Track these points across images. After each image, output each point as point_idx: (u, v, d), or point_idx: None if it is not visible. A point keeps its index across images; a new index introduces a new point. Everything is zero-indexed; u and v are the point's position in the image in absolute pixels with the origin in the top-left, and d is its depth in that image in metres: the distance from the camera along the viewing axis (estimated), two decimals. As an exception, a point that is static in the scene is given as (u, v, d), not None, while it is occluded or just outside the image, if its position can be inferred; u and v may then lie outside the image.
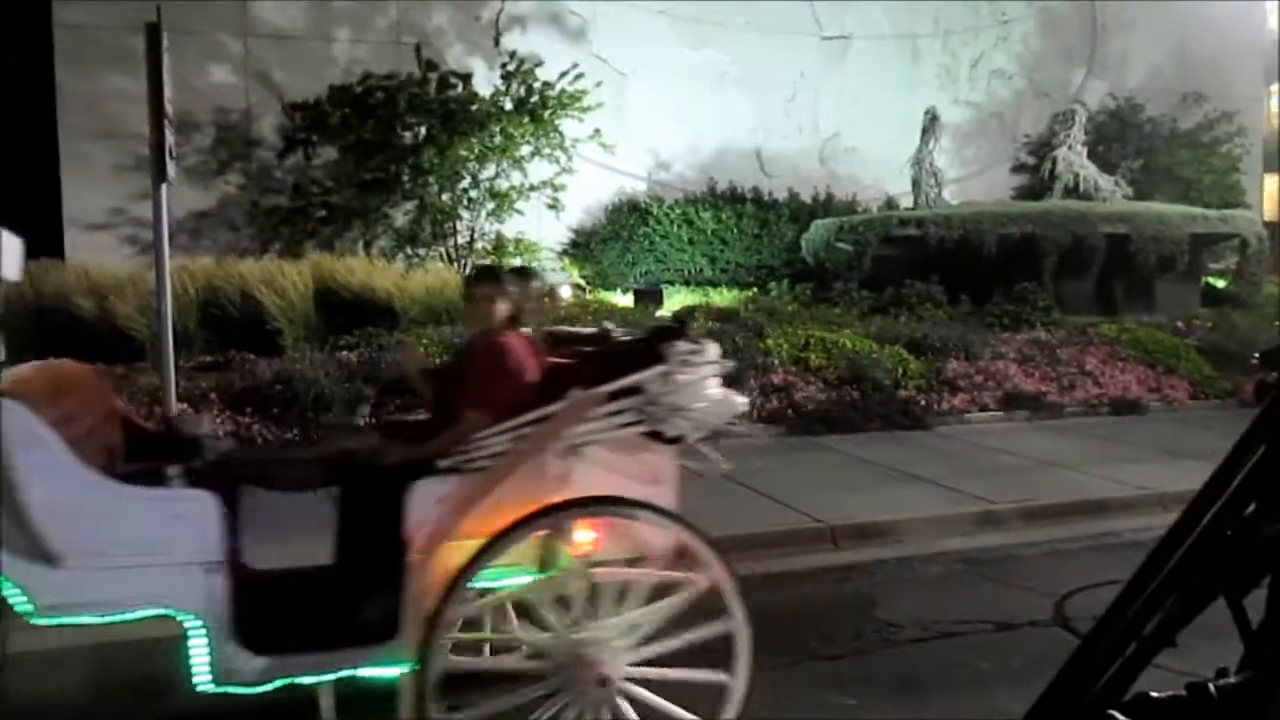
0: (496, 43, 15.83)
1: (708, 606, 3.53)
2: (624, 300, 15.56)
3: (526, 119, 14.47)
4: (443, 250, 14.39)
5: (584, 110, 14.74)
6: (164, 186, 7.46)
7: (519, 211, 14.72)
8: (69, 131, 13.82)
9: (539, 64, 14.90)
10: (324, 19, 15.24)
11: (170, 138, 7.44)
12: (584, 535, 3.46)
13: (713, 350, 3.74)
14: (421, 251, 14.26)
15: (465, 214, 14.50)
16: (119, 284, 10.91)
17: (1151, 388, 11.58)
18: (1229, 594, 1.24)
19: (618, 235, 16.46)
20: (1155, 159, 19.43)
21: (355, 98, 14.10)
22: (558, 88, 14.69)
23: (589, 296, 15.24)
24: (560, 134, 14.73)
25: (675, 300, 15.46)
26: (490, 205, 14.52)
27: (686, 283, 16.52)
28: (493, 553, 3.28)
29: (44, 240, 13.17)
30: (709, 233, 16.82)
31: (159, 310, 7.60)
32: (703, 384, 3.61)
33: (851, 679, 4.58)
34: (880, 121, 17.59)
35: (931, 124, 16.20)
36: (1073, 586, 5.66)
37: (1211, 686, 1.19)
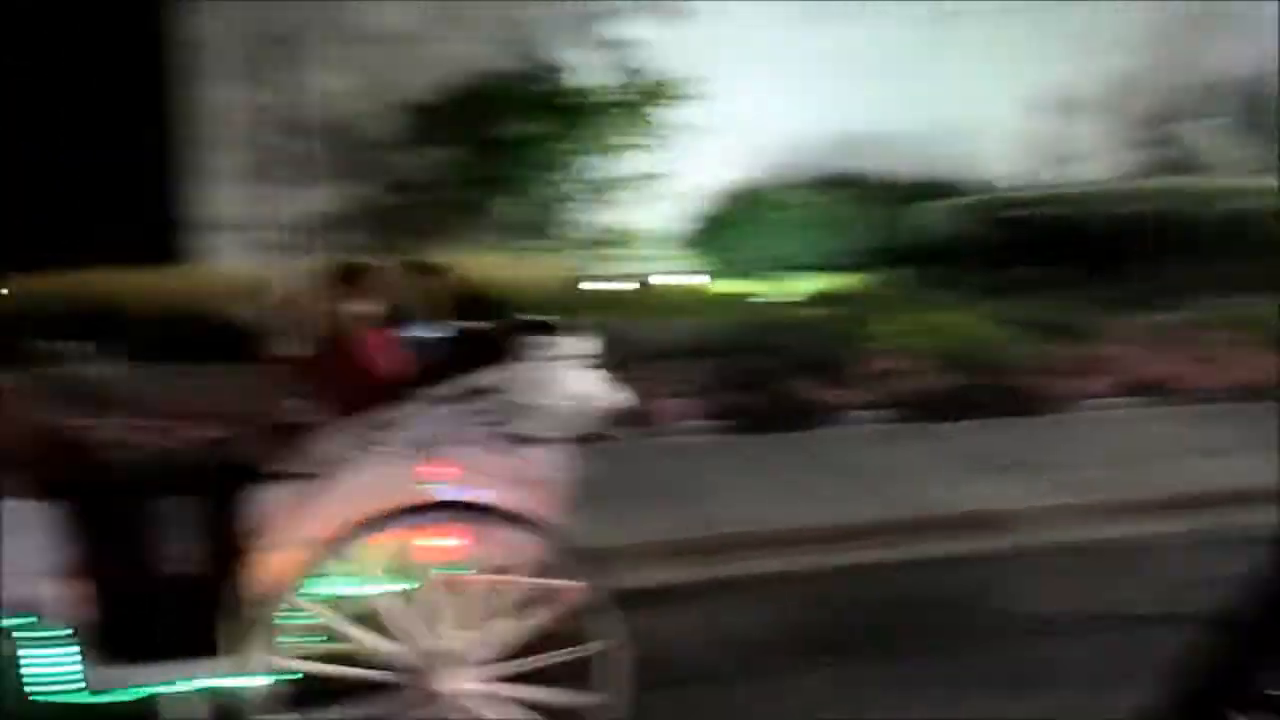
0: (599, 33, 15.85)
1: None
2: (736, 287, 15.48)
3: (633, 108, 14.50)
4: (551, 242, 14.56)
5: (691, 97, 14.70)
6: (289, 190, 7.72)
7: (628, 202, 14.77)
8: (201, 141, 14.42)
9: (644, 52, 14.90)
10: (430, 19, 15.50)
11: (295, 144, 7.69)
12: (437, 542, 3.28)
13: (576, 344, 3.56)
14: (530, 244, 14.44)
15: (573, 206, 14.63)
16: (246, 287, 11.34)
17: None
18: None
19: (728, 223, 16.37)
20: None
21: (461, 96, 14.34)
22: (663, 75, 14.68)
23: (698, 286, 15.21)
24: (667, 122, 14.73)
25: (786, 287, 15.31)
26: (598, 196, 14.63)
27: (797, 268, 16.34)
28: (322, 560, 3.15)
29: (172, 245, 13.80)
30: (819, 218, 16.58)
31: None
32: (557, 381, 3.41)
33: (965, 673, 4.50)
34: (998, 97, 17.10)
35: (1054, 99, 15.70)
36: (1198, 580, 5.43)
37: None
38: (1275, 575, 1.20)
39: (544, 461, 3.45)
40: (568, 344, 3.52)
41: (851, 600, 5.60)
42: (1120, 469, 7.74)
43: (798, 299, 13.59)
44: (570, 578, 3.31)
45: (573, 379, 3.46)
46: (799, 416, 9.40)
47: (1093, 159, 17.96)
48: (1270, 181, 15.19)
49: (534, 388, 3.34)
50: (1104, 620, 5.11)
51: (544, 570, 3.37)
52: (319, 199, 14.63)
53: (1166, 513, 6.97)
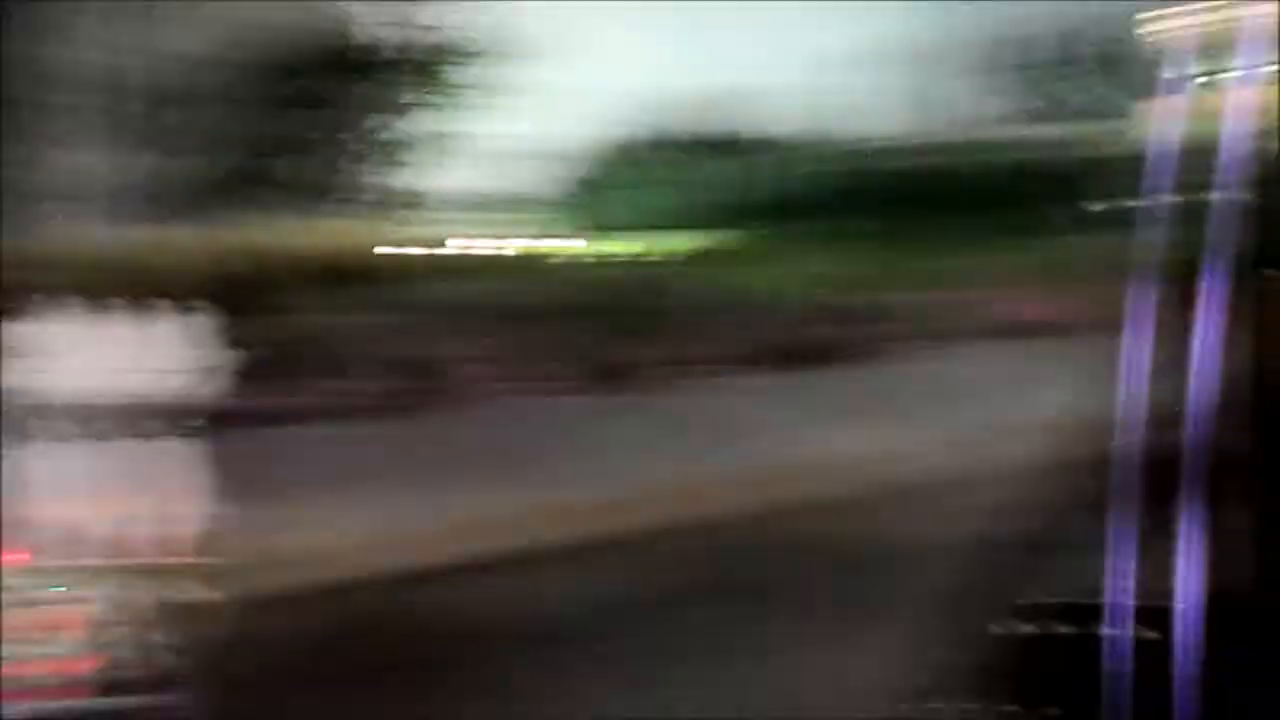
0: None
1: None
2: (584, 248, 15.11)
3: (461, 63, 14.01)
4: (350, 206, 13.97)
5: (532, 52, 14.28)
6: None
7: (435, 164, 14.31)
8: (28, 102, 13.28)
9: (475, 7, 14.36)
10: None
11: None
12: None
13: (63, 331, 3.40)
14: (329, 208, 13.81)
15: (375, 168, 14.10)
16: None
17: None
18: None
19: (579, 182, 15.93)
20: (1072, 85, 19.10)
21: (255, 54, 13.64)
22: (500, 27, 14.21)
23: (549, 248, 14.82)
24: (502, 79, 14.29)
25: (639, 246, 15.00)
26: (403, 158, 14.16)
27: (658, 227, 15.98)
28: None
29: None
30: (683, 175, 16.19)
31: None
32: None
33: (821, 607, 4.60)
34: (845, 52, 16.94)
35: (910, 52, 15.75)
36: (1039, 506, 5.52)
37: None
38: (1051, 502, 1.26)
39: None
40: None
41: (715, 551, 5.60)
42: (967, 407, 7.86)
43: (647, 257, 13.44)
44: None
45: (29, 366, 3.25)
46: (651, 374, 9.33)
47: (902, 114, 18.32)
48: (1113, 129, 15.71)
49: None
50: (947, 548, 5.21)
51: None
52: (116, 164, 13.74)
53: (1006, 443, 7.08)
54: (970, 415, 7.63)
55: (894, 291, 11.10)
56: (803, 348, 9.92)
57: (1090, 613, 1.23)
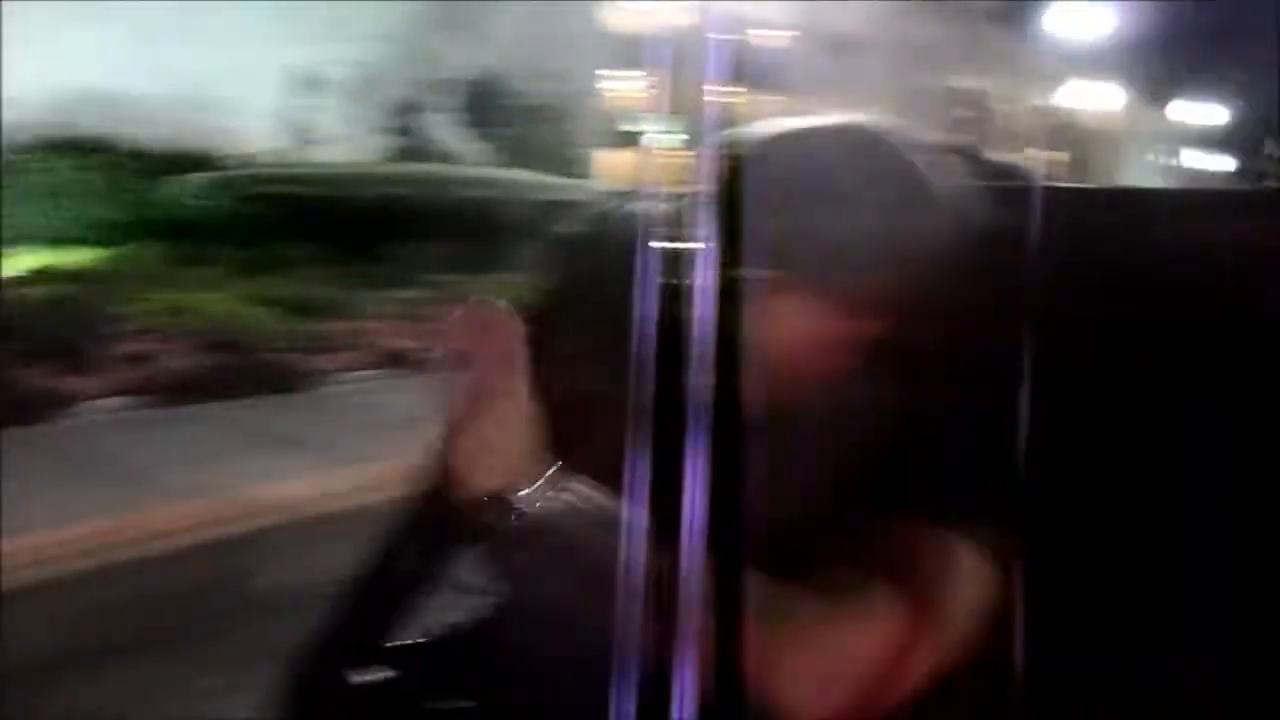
0: None
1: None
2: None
3: None
4: None
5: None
6: None
7: None
8: None
9: None
10: None
11: None
12: None
13: None
14: None
15: None
16: None
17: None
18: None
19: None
20: (520, 130, 20.79)
21: None
22: None
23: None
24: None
25: (19, 261, 13.60)
26: None
27: (35, 240, 14.59)
28: None
29: None
30: (59, 185, 15.02)
31: None
32: None
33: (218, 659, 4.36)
34: (255, 74, 16.89)
35: (307, 81, 15.99)
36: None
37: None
38: (396, 532, 1.25)
39: None
40: None
41: (107, 602, 5.17)
42: (381, 437, 8.03)
43: (21, 275, 12.15)
44: None
45: None
46: (25, 409, 8.33)
47: (341, 142, 18.59)
48: (495, 172, 17.08)
49: None
50: (311, 591, 5.25)
51: None
52: None
53: (398, 480, 7.35)
54: (372, 449, 7.83)
55: (318, 321, 11.21)
56: (209, 376, 9.67)
57: (456, 651, 1.28)
